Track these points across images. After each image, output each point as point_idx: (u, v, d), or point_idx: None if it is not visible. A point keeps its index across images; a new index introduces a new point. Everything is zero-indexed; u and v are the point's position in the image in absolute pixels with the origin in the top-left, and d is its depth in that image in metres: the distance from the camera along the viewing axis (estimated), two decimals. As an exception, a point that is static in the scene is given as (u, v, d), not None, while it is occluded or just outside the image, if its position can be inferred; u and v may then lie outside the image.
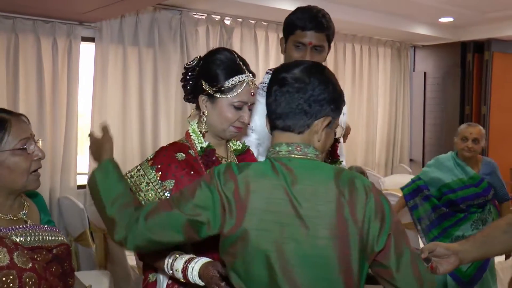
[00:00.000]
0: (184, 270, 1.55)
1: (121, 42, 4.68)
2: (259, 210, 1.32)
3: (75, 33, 4.41)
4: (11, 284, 1.35)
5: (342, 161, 2.36)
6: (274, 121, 1.42)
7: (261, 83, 2.36)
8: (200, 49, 5.02)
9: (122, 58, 4.71)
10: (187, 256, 1.60)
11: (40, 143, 1.60)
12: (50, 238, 1.60)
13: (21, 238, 1.52)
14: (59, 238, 1.64)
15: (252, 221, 1.32)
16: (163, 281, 1.75)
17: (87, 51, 4.65)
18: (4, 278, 1.34)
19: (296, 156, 1.38)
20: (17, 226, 1.53)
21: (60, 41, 4.36)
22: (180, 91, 5.07)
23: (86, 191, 4.57)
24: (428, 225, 3.54)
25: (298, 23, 2.16)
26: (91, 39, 4.60)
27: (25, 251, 1.46)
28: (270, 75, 2.35)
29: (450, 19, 6.16)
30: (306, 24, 2.13)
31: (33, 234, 1.55)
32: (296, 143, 1.40)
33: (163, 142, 4.71)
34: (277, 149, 1.41)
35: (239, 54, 1.81)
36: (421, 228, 3.59)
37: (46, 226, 1.63)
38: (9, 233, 1.49)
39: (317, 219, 1.31)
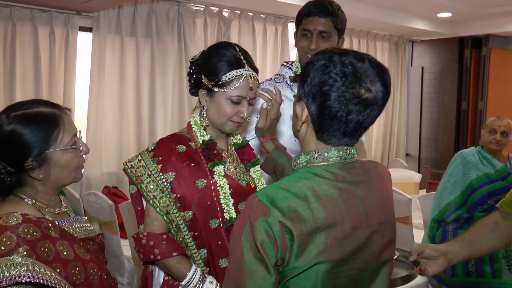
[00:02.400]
0: None
1: (119, 33, 4.66)
2: (330, 235, 1.14)
3: (72, 22, 4.39)
4: (79, 276, 1.36)
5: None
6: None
7: (276, 75, 2.38)
8: (197, 41, 5.02)
9: (120, 48, 4.69)
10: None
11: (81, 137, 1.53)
12: (90, 228, 1.59)
13: (73, 230, 1.49)
14: (93, 228, 1.63)
15: (325, 249, 1.14)
16: (158, 274, 1.78)
17: (84, 41, 4.63)
18: (73, 271, 1.34)
19: (347, 161, 1.25)
20: (66, 219, 1.51)
21: (57, 31, 4.34)
22: (177, 83, 5.09)
23: (82, 181, 4.55)
24: (457, 226, 3.29)
25: (304, 11, 2.20)
26: (89, 29, 4.58)
27: (80, 243, 1.45)
28: (285, 67, 2.36)
29: (448, 14, 6.16)
30: (311, 10, 2.16)
31: (78, 225, 1.53)
32: (345, 147, 1.26)
33: (160, 132, 4.70)
34: (326, 155, 1.24)
35: (237, 46, 1.81)
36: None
37: (81, 217, 1.61)
38: (63, 226, 1.45)
39: (385, 230, 1.26)
